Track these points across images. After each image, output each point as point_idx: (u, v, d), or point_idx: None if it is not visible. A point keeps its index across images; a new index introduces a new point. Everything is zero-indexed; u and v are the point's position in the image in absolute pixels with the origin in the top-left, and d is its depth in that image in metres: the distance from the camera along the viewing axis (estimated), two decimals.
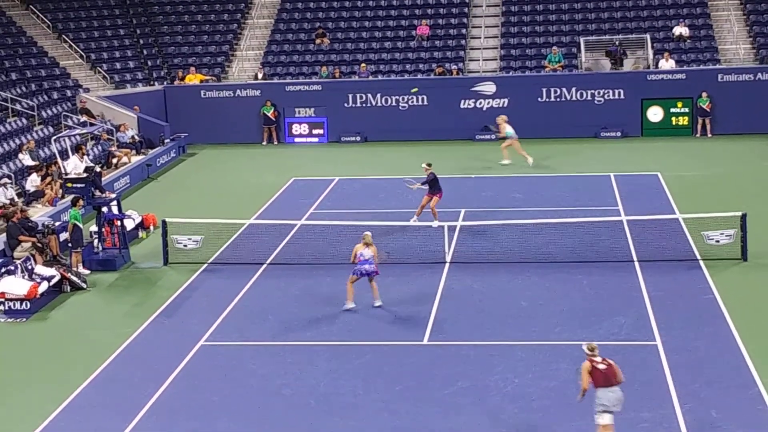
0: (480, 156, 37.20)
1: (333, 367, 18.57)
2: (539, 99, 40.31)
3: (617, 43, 41.52)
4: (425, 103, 40.89)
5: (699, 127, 39.69)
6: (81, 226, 24.98)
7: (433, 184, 27.69)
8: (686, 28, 42.54)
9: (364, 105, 41.15)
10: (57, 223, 26.68)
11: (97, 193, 26.09)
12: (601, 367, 15.24)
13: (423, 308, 21.39)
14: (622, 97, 40.13)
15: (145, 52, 45.39)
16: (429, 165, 28.06)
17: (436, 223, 27.12)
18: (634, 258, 24.23)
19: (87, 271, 24.65)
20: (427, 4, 45.98)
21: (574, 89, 40.21)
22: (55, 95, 39.96)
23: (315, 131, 41.62)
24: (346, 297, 21.36)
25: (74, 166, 28.40)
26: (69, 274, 23.65)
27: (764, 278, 22.82)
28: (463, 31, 44.64)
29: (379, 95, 41.09)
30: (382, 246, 24.94)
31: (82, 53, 43.70)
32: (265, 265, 24.75)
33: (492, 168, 34.88)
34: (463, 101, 40.70)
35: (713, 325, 19.92)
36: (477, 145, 39.68)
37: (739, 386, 17.04)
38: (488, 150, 38.10)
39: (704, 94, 39.24)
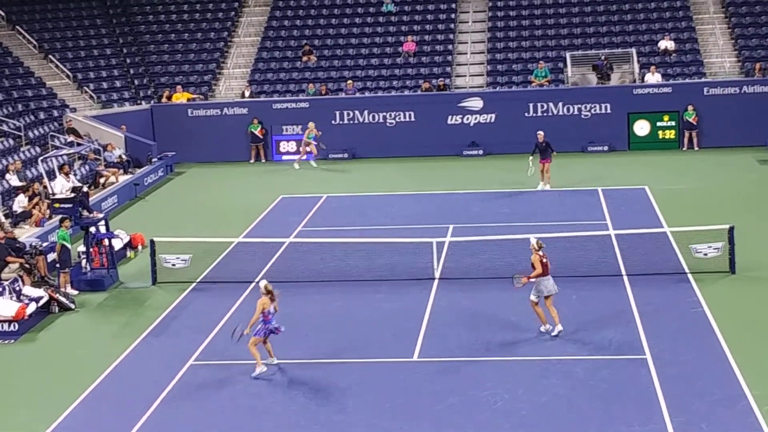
0: (468, 172, 37.24)
1: (322, 385, 18.51)
2: (526, 114, 40.38)
3: (603, 57, 41.68)
4: (412, 119, 40.96)
5: (686, 140, 39.83)
6: (69, 246, 24.89)
7: (544, 150, 31.47)
8: (672, 42, 42.74)
9: (351, 122, 41.21)
10: (45, 244, 26.60)
11: (85, 213, 26.02)
12: (545, 260, 19.81)
13: (412, 325, 21.35)
14: (608, 111, 40.25)
15: (131, 71, 45.38)
16: (543, 136, 32.15)
17: (547, 187, 31.87)
18: (623, 272, 24.26)
19: (75, 292, 24.56)
20: (414, 21, 46.13)
21: (560, 104, 40.32)
22: (42, 115, 39.89)
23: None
24: (258, 361, 18.99)
25: (61, 186, 28.32)
26: (57, 295, 23.55)
27: (752, 291, 22.86)
28: (450, 47, 44.75)
29: (366, 112, 41.15)
30: (379, 261, 24.98)
31: (69, 73, 43.68)
32: (253, 284, 24.64)
33: (479, 184, 34.89)
34: (450, 117, 40.76)
35: (702, 338, 19.93)
36: (465, 161, 39.74)
37: (729, 399, 17.04)
38: (476, 165, 38.22)
39: (690, 108, 39.41)
